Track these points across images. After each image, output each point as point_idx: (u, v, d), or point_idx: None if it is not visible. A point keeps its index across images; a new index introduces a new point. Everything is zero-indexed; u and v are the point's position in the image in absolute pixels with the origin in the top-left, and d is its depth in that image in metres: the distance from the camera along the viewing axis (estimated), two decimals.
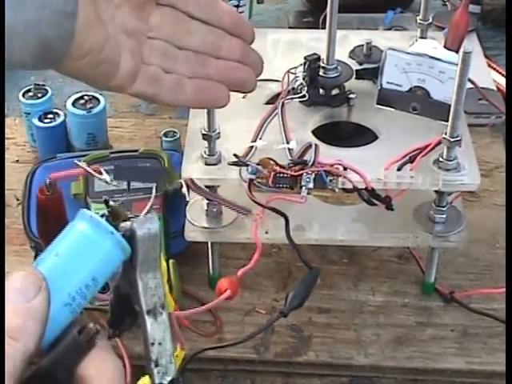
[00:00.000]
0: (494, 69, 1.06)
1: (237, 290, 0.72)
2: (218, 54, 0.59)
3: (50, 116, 0.97)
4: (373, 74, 0.82)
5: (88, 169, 0.59)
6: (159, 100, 0.58)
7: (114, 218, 0.49)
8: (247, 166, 0.72)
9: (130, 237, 0.48)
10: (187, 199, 0.74)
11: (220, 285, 0.72)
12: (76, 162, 0.60)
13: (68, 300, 0.47)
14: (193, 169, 0.74)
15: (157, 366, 0.50)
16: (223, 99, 0.60)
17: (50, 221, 0.68)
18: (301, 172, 0.71)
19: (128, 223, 0.48)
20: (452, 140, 0.71)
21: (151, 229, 0.48)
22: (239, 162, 0.72)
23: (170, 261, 0.80)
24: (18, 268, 0.44)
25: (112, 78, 0.55)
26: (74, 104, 0.96)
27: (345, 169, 0.72)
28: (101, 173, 0.60)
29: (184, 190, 0.73)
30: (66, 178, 0.68)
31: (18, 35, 0.48)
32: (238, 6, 1.18)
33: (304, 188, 0.71)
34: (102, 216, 0.48)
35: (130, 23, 0.55)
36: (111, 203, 0.49)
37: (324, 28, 0.81)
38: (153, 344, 0.50)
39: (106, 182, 0.58)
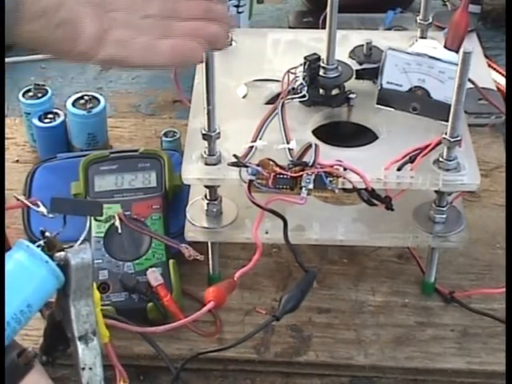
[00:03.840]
0: (494, 69, 1.06)
1: (224, 298, 0.73)
2: (179, 16, 0.58)
3: (50, 116, 0.97)
4: (373, 74, 0.82)
5: (25, 201, 0.61)
6: (130, 63, 0.56)
7: (49, 248, 0.52)
8: (247, 167, 0.72)
9: (64, 266, 0.51)
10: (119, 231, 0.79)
11: (206, 295, 0.73)
12: (15, 195, 0.62)
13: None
14: (193, 169, 0.74)
15: None
16: (198, 55, 0.58)
17: None
18: (301, 173, 0.71)
19: (62, 253, 0.51)
20: (452, 140, 0.71)
21: (84, 258, 0.51)
22: (239, 163, 0.72)
23: (170, 261, 0.80)
24: None
25: (74, 44, 0.53)
26: (74, 104, 0.96)
27: (344, 169, 0.72)
28: (38, 205, 0.61)
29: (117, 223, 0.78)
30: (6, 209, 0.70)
31: None
32: (238, 6, 1.18)
33: (304, 189, 0.71)
34: (38, 246, 0.51)
35: None
36: (47, 234, 0.52)
37: (324, 28, 0.81)
38: (83, 369, 0.52)
39: (43, 215, 0.60)
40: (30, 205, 0.61)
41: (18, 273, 0.50)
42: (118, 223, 0.80)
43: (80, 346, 0.52)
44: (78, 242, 0.53)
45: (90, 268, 0.52)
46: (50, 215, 0.62)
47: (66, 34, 0.52)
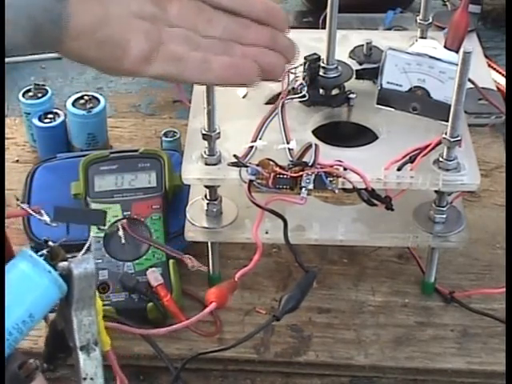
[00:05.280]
0: (494, 69, 1.06)
1: (226, 298, 0.72)
2: (242, 42, 0.56)
3: (50, 116, 0.97)
4: (373, 74, 0.82)
5: (28, 210, 0.62)
6: (184, 79, 0.55)
7: (52, 257, 0.52)
8: (247, 167, 0.72)
9: (66, 276, 0.51)
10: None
11: (208, 296, 0.72)
12: (19, 203, 0.62)
13: (5, 335, 0.49)
14: (193, 169, 0.74)
15: None
16: (253, 77, 0.56)
17: None
18: (300, 173, 0.71)
19: (65, 263, 0.51)
20: (452, 140, 0.71)
21: (87, 268, 0.51)
22: (239, 163, 0.72)
23: (170, 261, 0.80)
24: None
25: (122, 61, 0.52)
26: (74, 104, 0.96)
27: (345, 169, 0.72)
28: (41, 213, 0.61)
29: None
30: (8, 217, 0.70)
31: (9, 20, 0.47)
32: None
33: (304, 189, 0.71)
34: (41, 256, 0.51)
35: (146, 9, 0.53)
36: (50, 243, 0.52)
37: (324, 28, 0.81)
38: (85, 379, 0.53)
39: (46, 224, 0.61)
40: (32, 213, 0.61)
41: (21, 282, 0.50)
42: (121, 233, 0.81)
43: (81, 356, 0.52)
44: (82, 252, 0.53)
45: (92, 278, 0.52)
46: (53, 224, 0.62)
47: (111, 52, 0.52)
